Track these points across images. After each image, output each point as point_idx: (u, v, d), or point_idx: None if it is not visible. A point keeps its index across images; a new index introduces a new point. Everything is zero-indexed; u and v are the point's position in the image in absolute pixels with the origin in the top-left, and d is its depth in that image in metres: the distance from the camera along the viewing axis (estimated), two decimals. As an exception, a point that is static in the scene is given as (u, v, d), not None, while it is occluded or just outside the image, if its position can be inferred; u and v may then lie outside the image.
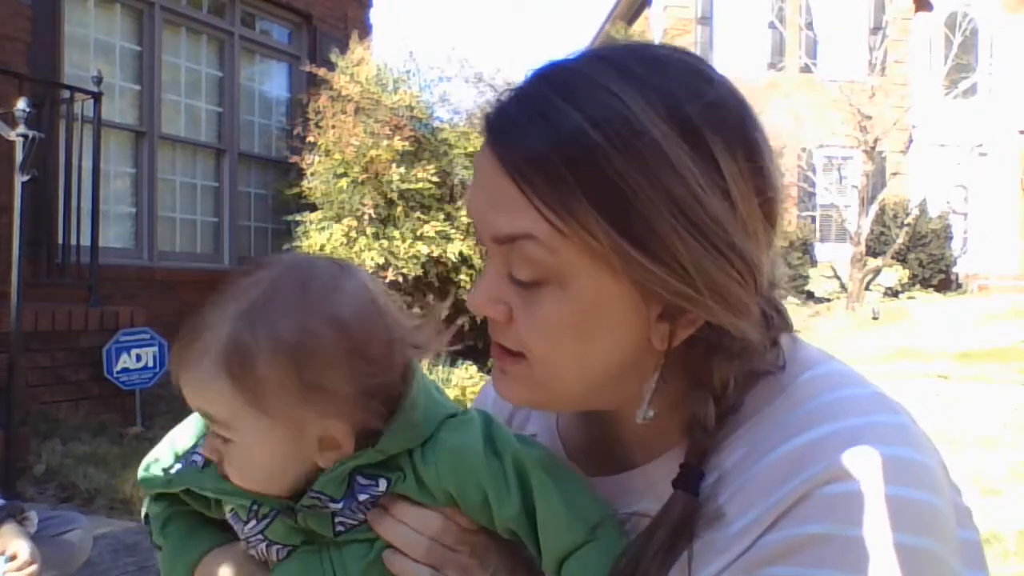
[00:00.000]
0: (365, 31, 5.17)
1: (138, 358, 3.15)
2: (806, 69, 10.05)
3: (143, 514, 0.48)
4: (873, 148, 9.14)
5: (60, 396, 2.97)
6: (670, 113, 0.34)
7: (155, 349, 3.21)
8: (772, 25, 10.39)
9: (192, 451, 0.46)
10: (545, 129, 0.34)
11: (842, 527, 0.33)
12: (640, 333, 0.37)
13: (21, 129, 2.42)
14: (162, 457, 0.47)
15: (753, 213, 0.36)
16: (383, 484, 0.41)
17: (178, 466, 0.46)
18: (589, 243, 0.34)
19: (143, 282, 3.89)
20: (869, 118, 9.02)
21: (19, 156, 2.42)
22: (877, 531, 0.33)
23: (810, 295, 8.96)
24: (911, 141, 10.43)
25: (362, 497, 0.41)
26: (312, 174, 4.20)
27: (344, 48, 4.46)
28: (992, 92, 10.46)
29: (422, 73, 4.49)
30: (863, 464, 0.34)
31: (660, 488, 0.39)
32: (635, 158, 0.33)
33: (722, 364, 0.38)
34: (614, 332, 0.37)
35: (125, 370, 3.11)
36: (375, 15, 5.53)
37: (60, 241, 3.18)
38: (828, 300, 8.87)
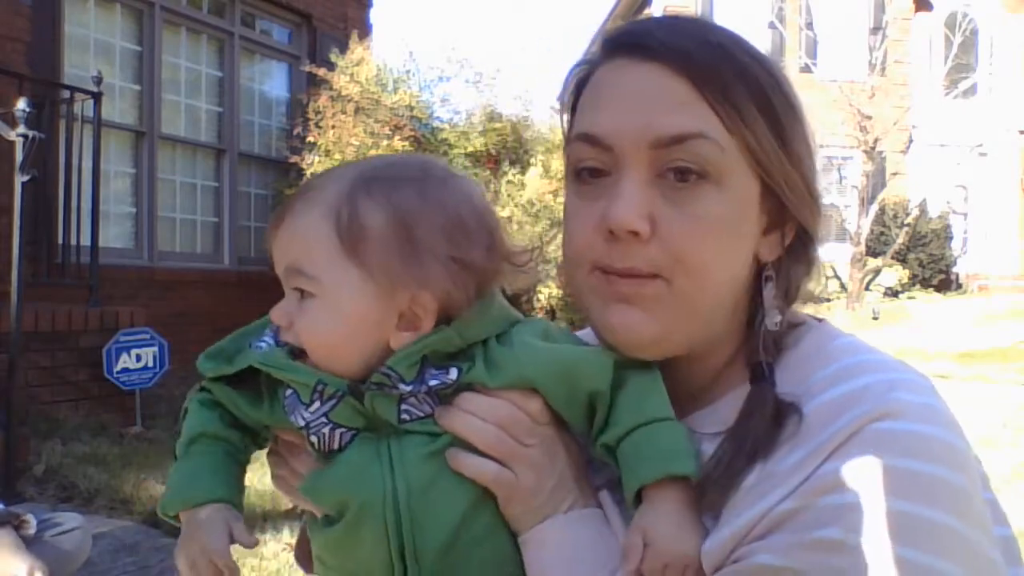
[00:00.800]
0: (365, 31, 5.17)
1: (138, 358, 3.15)
2: (806, 69, 10.05)
3: (183, 409, 0.47)
4: (873, 148, 9.14)
5: (60, 396, 2.96)
6: (775, 63, 0.42)
7: (155, 349, 3.21)
8: (772, 25, 10.39)
9: (259, 338, 0.47)
10: (712, 46, 0.39)
11: (893, 459, 0.35)
12: (753, 245, 0.41)
13: (21, 129, 2.42)
14: (226, 346, 0.48)
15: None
16: (454, 373, 0.41)
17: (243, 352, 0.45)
18: (749, 142, 0.39)
19: (143, 282, 3.89)
20: (869, 118, 9.02)
21: (19, 156, 2.42)
22: (922, 463, 0.35)
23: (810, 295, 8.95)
24: (911, 141, 10.42)
25: (432, 383, 0.41)
26: (312, 174, 4.20)
27: (344, 48, 4.46)
28: (992, 92, 10.45)
29: (422, 73, 4.50)
30: (904, 407, 0.37)
31: (730, 422, 0.41)
32: (778, 82, 0.41)
33: (798, 269, 0.42)
34: (747, 238, 0.41)
35: (125, 370, 3.11)
36: (375, 15, 5.54)
37: (60, 241, 3.18)
38: (828, 300, 8.86)
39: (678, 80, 0.38)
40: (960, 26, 9.93)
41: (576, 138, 0.42)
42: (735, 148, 0.39)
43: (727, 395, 0.43)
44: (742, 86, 0.39)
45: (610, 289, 0.40)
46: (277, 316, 0.44)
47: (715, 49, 0.39)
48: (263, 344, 0.45)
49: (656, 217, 0.39)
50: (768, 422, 0.39)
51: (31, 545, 1.49)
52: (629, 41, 0.41)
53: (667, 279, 0.39)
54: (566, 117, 0.45)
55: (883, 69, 9.66)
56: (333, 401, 0.42)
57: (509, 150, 4.50)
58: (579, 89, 0.44)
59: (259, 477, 2.72)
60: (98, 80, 3.23)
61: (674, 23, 0.42)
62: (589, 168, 0.41)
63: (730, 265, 0.41)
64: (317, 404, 0.42)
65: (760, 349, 0.41)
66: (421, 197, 0.41)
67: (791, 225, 0.42)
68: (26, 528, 1.36)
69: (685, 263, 0.39)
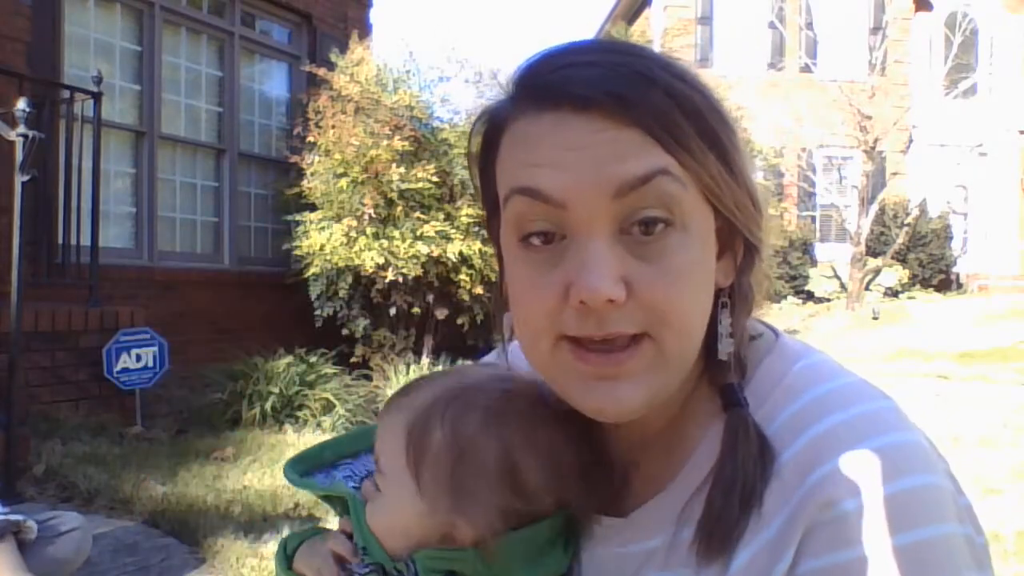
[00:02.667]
0: (365, 31, 5.17)
1: (138, 358, 3.15)
2: (806, 69, 10.05)
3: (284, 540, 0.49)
4: (873, 148, 9.14)
5: (60, 396, 2.96)
6: (697, 77, 0.39)
7: (155, 349, 3.21)
8: (772, 25, 10.39)
9: (346, 467, 0.49)
10: (650, 83, 0.36)
11: (895, 537, 0.34)
12: (713, 279, 0.39)
13: (21, 129, 2.42)
14: (314, 455, 0.50)
15: None
16: None
17: (339, 476, 0.49)
18: (704, 178, 0.36)
19: (143, 282, 3.89)
20: (869, 118, 9.02)
21: (19, 156, 2.42)
22: (882, 541, 0.33)
23: (810, 295, 8.95)
24: (911, 141, 10.42)
25: None
26: (312, 174, 4.20)
27: (344, 48, 4.46)
28: (992, 92, 10.45)
29: (422, 73, 4.48)
30: (878, 459, 0.35)
31: (678, 511, 0.38)
32: (713, 104, 0.38)
33: (753, 280, 0.41)
34: (710, 276, 0.38)
35: (125, 370, 3.11)
36: (375, 15, 5.53)
37: (60, 241, 3.18)
38: (828, 300, 8.86)
39: (627, 130, 0.35)
40: (960, 26, 9.93)
41: (517, 192, 0.36)
42: (693, 185, 0.36)
43: (697, 446, 0.40)
44: (689, 124, 0.36)
45: (587, 368, 0.36)
46: (365, 491, 0.45)
47: (657, 88, 0.35)
48: (352, 479, 0.48)
49: (629, 277, 0.35)
50: (755, 457, 0.36)
51: (31, 547, 1.49)
52: (560, 91, 0.35)
53: (654, 337, 0.36)
54: (475, 162, 0.41)
55: (883, 69, 9.65)
56: (367, 569, 0.44)
57: (509, 150, 4.48)
58: (494, 137, 0.39)
59: (259, 478, 2.73)
60: (98, 80, 3.23)
61: (601, 60, 0.36)
62: (539, 232, 0.36)
63: (704, 307, 0.38)
64: (358, 561, 0.45)
65: (725, 372, 0.39)
66: (481, 435, 0.41)
67: (739, 242, 0.40)
68: (26, 533, 1.35)
69: (667, 319, 0.36)
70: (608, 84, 0.35)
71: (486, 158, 0.40)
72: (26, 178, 2.42)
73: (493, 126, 0.39)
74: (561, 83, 0.36)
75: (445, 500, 0.41)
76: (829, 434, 0.36)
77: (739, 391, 0.39)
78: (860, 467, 0.34)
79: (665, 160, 0.35)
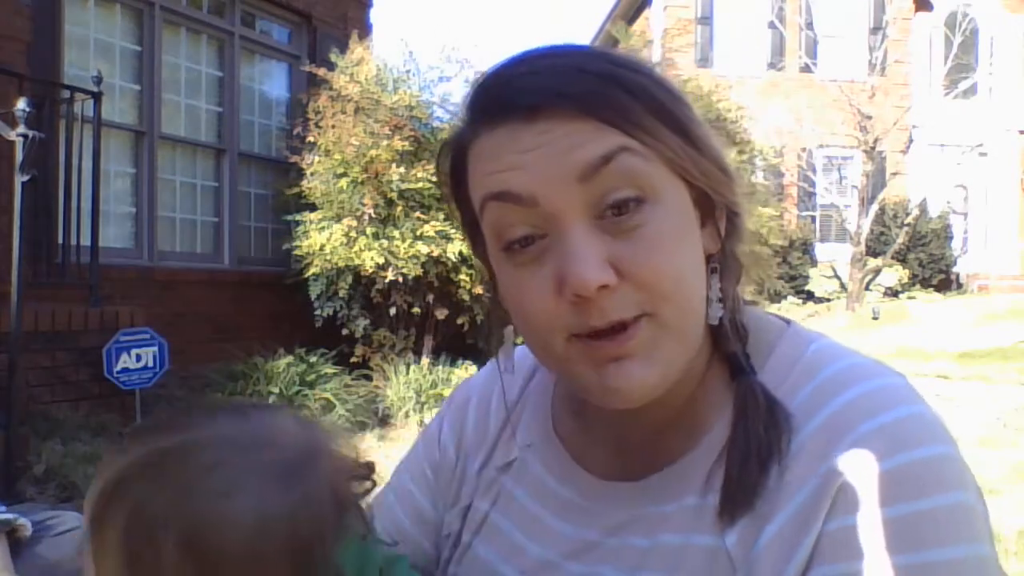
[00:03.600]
0: (365, 31, 5.17)
1: (138, 358, 3.15)
2: (806, 69, 10.05)
3: None
4: (873, 148, 9.14)
5: (60, 396, 2.96)
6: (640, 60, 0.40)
7: (155, 349, 3.21)
8: (772, 25, 10.39)
9: None
10: (592, 76, 0.36)
11: (906, 504, 0.35)
12: (700, 246, 0.40)
13: (21, 129, 2.42)
14: None
15: None
16: None
17: None
18: (665, 154, 0.37)
19: (143, 282, 3.89)
20: (869, 118, 9.02)
21: (19, 156, 2.42)
22: (904, 505, 0.35)
23: (810, 295, 8.96)
24: (911, 141, 10.42)
25: None
26: (312, 174, 4.20)
27: (344, 48, 4.46)
28: (992, 92, 10.45)
29: (422, 73, 4.48)
30: (898, 428, 0.36)
31: (702, 480, 0.39)
32: (661, 82, 0.39)
33: (737, 247, 0.41)
34: (695, 239, 0.39)
35: (125, 370, 3.11)
36: (375, 15, 5.54)
37: (60, 241, 3.18)
38: (828, 300, 8.87)
39: (578, 121, 0.35)
40: (960, 26, 9.93)
41: (489, 199, 0.37)
42: (657, 161, 0.37)
43: (698, 446, 0.41)
44: (638, 104, 0.36)
45: (598, 354, 0.37)
46: None
47: (599, 78, 0.36)
48: None
49: (615, 259, 0.35)
50: (765, 419, 0.37)
51: (28, 546, 1.49)
52: (508, 104, 0.36)
53: (651, 314, 0.36)
54: (449, 196, 0.42)
55: (883, 69, 9.65)
56: None
57: (509, 150, 4.48)
58: (459, 162, 0.40)
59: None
60: (98, 80, 3.24)
61: (539, 66, 0.37)
62: (518, 239, 0.37)
63: (696, 274, 0.39)
64: None
65: (728, 341, 0.41)
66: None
67: (721, 210, 0.41)
68: (21, 532, 1.35)
69: (663, 290, 0.36)
70: (550, 86, 0.36)
71: (457, 184, 0.41)
72: (26, 178, 2.42)
73: (457, 152, 0.40)
74: (507, 97, 0.37)
75: None
76: (850, 407, 0.37)
77: (742, 357, 0.40)
78: (882, 437, 0.35)
79: (623, 139, 0.36)
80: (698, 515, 0.39)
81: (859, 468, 0.35)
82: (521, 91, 0.36)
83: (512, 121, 0.36)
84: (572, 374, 0.39)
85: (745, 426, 0.38)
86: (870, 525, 0.35)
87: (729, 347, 0.41)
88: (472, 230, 0.42)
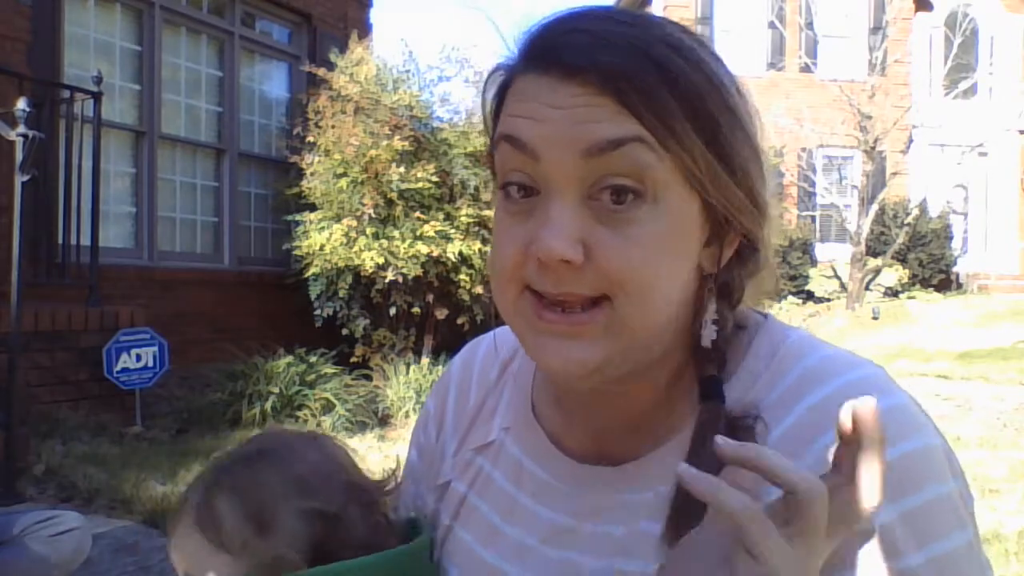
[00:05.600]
0: (365, 31, 5.17)
1: (138, 358, 3.15)
2: (806, 69, 10.05)
3: None
4: (873, 148, 9.13)
5: (60, 396, 2.96)
6: (717, 58, 0.38)
7: (155, 349, 3.21)
8: (772, 25, 10.39)
9: None
10: (641, 57, 0.35)
11: (901, 503, 0.35)
12: (693, 260, 0.39)
13: (21, 129, 2.42)
14: None
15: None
16: None
17: None
18: (685, 162, 0.36)
19: (143, 282, 3.89)
20: (869, 118, 9.01)
21: (19, 156, 2.42)
22: (891, 505, 0.34)
23: (810, 295, 8.95)
24: (911, 141, 10.42)
25: None
26: (312, 174, 4.19)
27: (344, 48, 4.46)
28: (992, 92, 10.45)
29: (421, 73, 4.48)
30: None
31: (672, 470, 0.38)
32: (719, 90, 0.37)
33: (741, 273, 0.40)
34: (688, 254, 0.38)
35: (125, 370, 3.11)
36: (375, 15, 5.54)
37: (60, 241, 3.18)
38: (828, 300, 8.86)
39: (604, 97, 0.35)
40: (960, 26, 9.92)
41: (501, 139, 0.38)
42: (671, 163, 0.36)
43: (675, 437, 0.40)
44: (676, 103, 0.35)
45: (543, 325, 0.37)
46: None
47: (648, 63, 0.35)
48: None
49: (589, 242, 0.35)
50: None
51: (29, 546, 1.49)
52: (552, 57, 0.36)
53: (611, 300, 0.36)
54: (489, 119, 0.42)
55: (883, 69, 9.65)
56: None
57: (509, 150, 4.47)
58: (501, 92, 0.40)
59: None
60: (98, 80, 3.23)
61: (596, 28, 0.36)
62: (517, 184, 0.37)
63: (672, 285, 0.37)
64: None
65: (706, 362, 0.40)
66: (254, 472, 0.45)
67: (734, 235, 0.39)
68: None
69: (625, 287, 0.36)
70: (595, 54, 0.35)
71: (496, 108, 0.41)
72: (26, 178, 2.42)
73: (503, 79, 0.41)
74: (554, 49, 0.37)
75: (261, 543, 0.43)
76: (830, 400, 0.36)
77: (718, 383, 0.39)
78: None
79: (641, 130, 0.35)
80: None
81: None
82: (567, 49, 0.36)
83: (550, 76, 0.36)
84: (516, 328, 0.39)
85: (698, 459, 0.36)
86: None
87: (704, 369, 0.40)
88: (493, 159, 0.43)
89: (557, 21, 0.38)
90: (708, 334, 0.39)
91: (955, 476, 0.36)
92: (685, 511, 0.36)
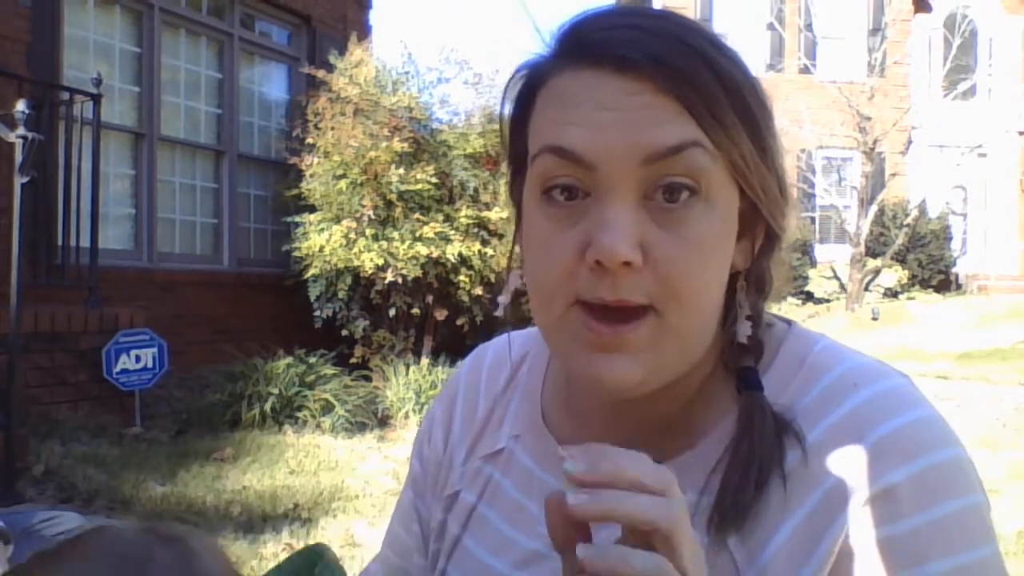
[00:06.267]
0: (364, 33, 5.18)
1: (137, 359, 3.15)
2: (805, 70, 10.06)
3: None
4: (872, 149, 9.14)
5: (60, 397, 2.96)
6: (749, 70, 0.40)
7: (154, 350, 3.21)
8: (771, 26, 10.40)
9: None
10: (693, 53, 0.35)
11: (928, 511, 0.35)
12: (730, 259, 0.39)
13: (20, 131, 2.42)
14: None
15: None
16: None
17: None
18: (733, 156, 0.36)
19: (142, 283, 3.89)
20: (868, 119, 9.03)
21: (18, 158, 2.42)
22: (923, 513, 0.34)
23: (809, 296, 8.96)
24: (910, 142, 10.43)
25: None
26: (311, 175, 4.20)
27: (343, 50, 4.46)
28: (991, 93, 10.46)
29: (421, 75, 4.49)
30: (910, 434, 0.36)
31: (700, 481, 0.38)
32: (754, 85, 0.38)
33: (771, 264, 0.40)
34: (728, 254, 0.38)
35: (124, 371, 3.11)
36: (374, 17, 5.54)
37: (60, 243, 3.19)
38: (828, 301, 8.87)
39: (663, 96, 0.34)
40: (959, 27, 9.94)
41: (548, 151, 0.36)
42: (722, 161, 0.36)
43: (703, 441, 0.39)
44: (725, 98, 0.35)
45: (592, 337, 0.35)
46: None
47: (697, 57, 0.35)
48: None
49: (647, 243, 0.35)
50: (771, 438, 0.36)
51: (22, 542, 1.49)
52: (601, 49, 0.35)
53: (659, 311, 0.35)
54: (507, 117, 0.40)
55: (882, 70, 9.66)
56: None
57: (508, 151, 4.47)
58: (529, 90, 0.38)
59: (258, 478, 2.73)
60: (97, 82, 3.24)
61: (644, 24, 0.36)
62: (562, 186, 0.36)
63: (719, 286, 0.37)
64: None
65: (742, 355, 0.39)
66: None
67: (761, 227, 0.40)
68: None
69: (679, 291, 0.35)
70: (650, 48, 0.35)
71: (520, 112, 0.39)
72: (25, 180, 2.42)
73: (531, 80, 0.39)
74: (603, 42, 0.35)
75: None
76: (862, 410, 0.36)
77: (757, 374, 0.39)
78: (899, 441, 0.35)
79: (698, 132, 0.35)
80: (697, 514, 0.37)
81: (879, 474, 0.35)
82: (619, 42, 0.35)
83: (600, 69, 0.35)
84: (561, 344, 0.38)
85: (750, 443, 0.36)
86: (896, 535, 0.34)
87: (741, 361, 0.39)
88: (517, 164, 0.41)
89: (596, 16, 0.37)
90: (743, 330, 0.39)
91: (981, 488, 0.36)
92: (725, 512, 0.36)
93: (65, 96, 3.27)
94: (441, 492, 0.49)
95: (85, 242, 3.25)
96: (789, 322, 0.43)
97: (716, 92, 0.35)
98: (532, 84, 0.39)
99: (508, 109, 0.40)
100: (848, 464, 0.35)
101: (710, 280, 0.36)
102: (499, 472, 0.46)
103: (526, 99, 0.39)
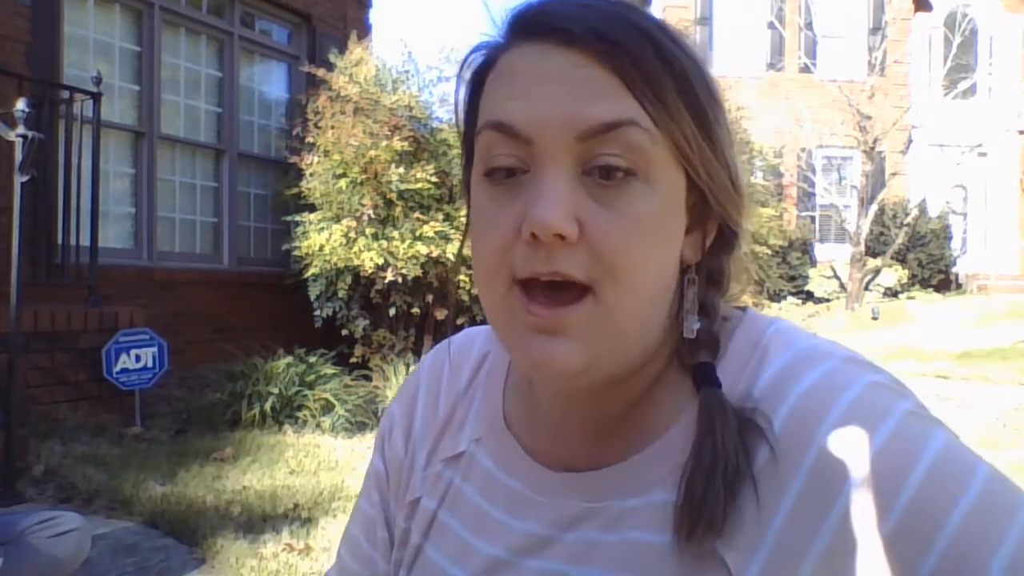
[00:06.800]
0: (364, 31, 5.17)
1: (137, 358, 3.15)
2: (805, 69, 10.05)
3: None
4: (872, 148, 9.14)
5: (59, 396, 2.96)
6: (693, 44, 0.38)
7: (155, 350, 3.21)
8: (771, 25, 10.39)
9: None
10: (638, 32, 0.35)
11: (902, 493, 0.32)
12: (679, 248, 0.38)
13: (20, 129, 2.42)
14: None
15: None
16: None
17: None
18: (676, 137, 0.35)
19: (142, 282, 3.89)
20: (868, 118, 9.02)
21: (18, 156, 2.42)
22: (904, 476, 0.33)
23: (809, 295, 8.95)
24: (910, 141, 10.42)
25: None
26: (311, 174, 4.19)
27: (343, 48, 4.45)
28: (992, 92, 10.46)
29: (421, 73, 4.48)
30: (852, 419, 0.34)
31: (669, 479, 0.36)
32: (701, 69, 0.37)
33: (729, 258, 0.40)
34: (675, 240, 0.37)
35: (125, 370, 3.10)
36: (374, 15, 5.53)
37: (59, 241, 3.18)
38: (828, 300, 8.86)
39: (603, 69, 0.34)
40: (959, 26, 9.93)
41: (488, 127, 0.36)
42: (663, 141, 0.35)
43: (661, 438, 0.38)
44: (669, 78, 0.35)
45: (532, 320, 0.35)
46: None
47: (641, 36, 0.35)
48: None
49: (583, 218, 0.34)
50: (735, 437, 0.34)
51: (28, 547, 1.49)
52: (546, 24, 0.35)
53: (595, 291, 0.34)
54: (462, 103, 0.39)
55: (882, 69, 9.65)
56: None
57: (508, 150, 4.46)
58: (480, 74, 0.38)
59: (258, 478, 2.73)
60: (97, 80, 3.23)
61: (593, 3, 0.36)
62: (505, 168, 0.35)
63: (660, 271, 0.36)
64: None
65: (697, 350, 0.38)
66: None
67: (713, 222, 0.39)
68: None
69: (614, 268, 0.34)
70: (594, 22, 0.35)
71: (471, 96, 0.39)
72: (25, 178, 2.42)
73: (482, 62, 0.39)
74: (548, 17, 0.36)
75: None
76: (812, 392, 0.35)
77: (714, 370, 0.38)
78: (855, 416, 0.34)
79: (636, 111, 0.34)
80: (672, 514, 0.36)
81: (852, 453, 0.33)
82: (563, 16, 0.35)
83: (544, 43, 0.35)
84: (502, 328, 0.37)
85: (712, 445, 0.35)
86: (892, 513, 0.32)
87: (696, 356, 0.38)
88: (468, 147, 0.40)
89: (547, 1, 0.37)
90: (690, 324, 0.38)
91: (942, 424, 0.35)
92: (696, 519, 0.34)
93: (65, 95, 3.26)
94: (403, 497, 0.47)
95: (85, 241, 3.24)
96: (744, 308, 0.42)
97: (659, 72, 0.35)
98: (483, 67, 0.38)
99: (462, 94, 0.40)
100: (816, 451, 0.33)
101: (649, 262, 0.35)
102: (460, 477, 0.45)
103: (477, 83, 0.39)
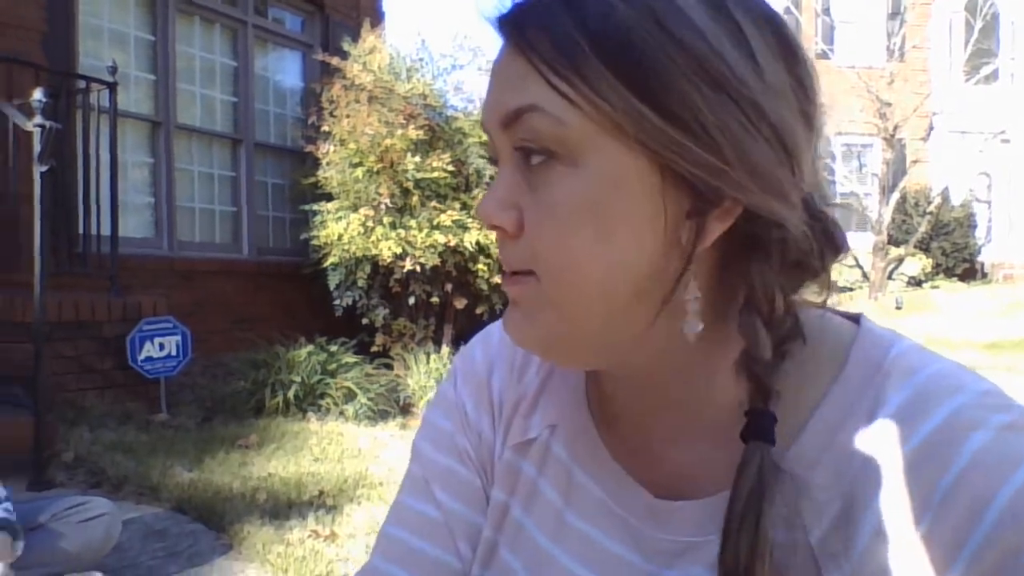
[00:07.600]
0: (377, 19, 5.12)
1: (161, 347, 3.15)
2: (823, 55, 9.87)
3: None
4: (893, 135, 8.96)
5: (85, 384, 2.97)
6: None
7: (178, 338, 3.21)
8: (788, 11, 10.20)
9: None
10: (554, 8, 0.32)
11: None
12: (665, 234, 0.32)
13: (38, 119, 2.40)
14: None
15: (784, 87, 0.32)
16: None
17: None
18: (601, 108, 0.31)
19: (163, 272, 3.90)
20: (888, 105, 8.84)
21: (37, 147, 2.41)
22: None
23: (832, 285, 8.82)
24: (932, 128, 10.21)
25: None
26: (328, 163, 4.17)
27: (356, 37, 4.42)
28: (1015, 77, 10.21)
29: (435, 62, 4.43)
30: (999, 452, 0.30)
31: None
32: (643, 8, 0.31)
33: (761, 267, 0.33)
34: (634, 224, 0.32)
35: (149, 359, 3.11)
36: (387, 3, 5.48)
37: (80, 231, 3.18)
38: (850, 289, 8.72)
39: (518, 58, 0.33)
40: (981, 10, 9.69)
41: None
42: (583, 121, 0.31)
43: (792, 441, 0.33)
44: (591, 50, 0.30)
45: (505, 285, 0.37)
46: None
47: (560, 9, 0.31)
48: None
49: (523, 210, 0.34)
50: (784, 510, 0.31)
51: (56, 532, 1.49)
52: (500, 21, 0.35)
53: (537, 276, 0.34)
54: None
55: (902, 55, 9.45)
56: None
57: (525, 138, 4.41)
58: None
59: (283, 465, 2.71)
60: (113, 70, 3.22)
61: None
62: (493, 158, 0.37)
63: (611, 263, 0.32)
64: None
65: (750, 389, 0.33)
66: None
67: (730, 205, 0.32)
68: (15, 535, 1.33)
69: (547, 260, 0.32)
70: (518, 12, 0.34)
71: None
72: (44, 168, 2.41)
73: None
74: (505, 16, 0.35)
75: None
76: (948, 424, 0.31)
77: (766, 419, 0.32)
78: (1000, 452, 0.30)
79: (541, 94, 0.32)
80: (793, 552, 0.32)
81: (991, 497, 0.29)
82: (512, 13, 0.34)
83: (505, 38, 0.35)
84: None
85: (738, 510, 0.31)
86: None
87: (745, 394, 0.32)
88: None
89: None
90: (690, 326, 0.32)
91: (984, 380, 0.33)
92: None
93: (81, 84, 3.25)
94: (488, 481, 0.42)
95: (105, 230, 3.25)
96: (857, 319, 0.36)
97: (575, 44, 0.31)
98: None
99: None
100: (949, 482, 0.30)
101: (579, 250, 0.32)
102: (534, 467, 0.41)
103: None
